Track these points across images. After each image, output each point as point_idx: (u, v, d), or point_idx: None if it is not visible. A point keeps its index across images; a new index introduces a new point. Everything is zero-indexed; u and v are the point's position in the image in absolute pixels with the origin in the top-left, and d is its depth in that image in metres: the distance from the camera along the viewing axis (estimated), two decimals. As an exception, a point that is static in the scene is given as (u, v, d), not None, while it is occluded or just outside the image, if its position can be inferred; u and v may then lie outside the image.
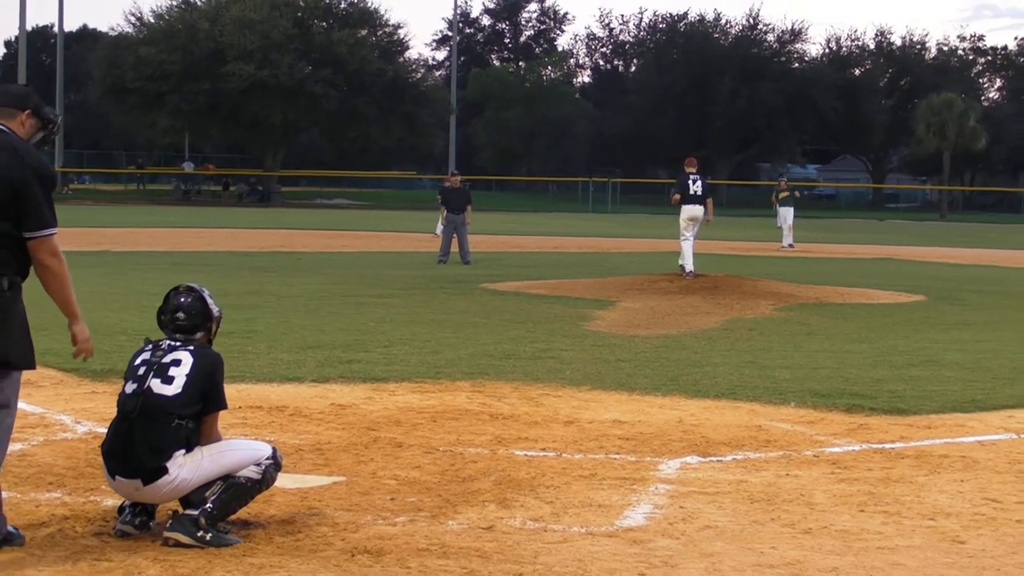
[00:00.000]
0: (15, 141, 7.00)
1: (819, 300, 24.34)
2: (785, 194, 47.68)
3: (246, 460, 7.68)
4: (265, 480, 7.73)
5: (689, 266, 27.53)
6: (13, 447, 9.53)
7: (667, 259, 34.49)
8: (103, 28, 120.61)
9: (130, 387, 7.57)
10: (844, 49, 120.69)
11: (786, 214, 46.88)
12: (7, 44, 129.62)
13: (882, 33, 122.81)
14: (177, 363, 7.58)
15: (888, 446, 10.75)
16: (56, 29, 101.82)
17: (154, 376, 7.53)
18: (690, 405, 12.57)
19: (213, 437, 7.69)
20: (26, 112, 7.16)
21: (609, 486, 9.09)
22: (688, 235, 28.12)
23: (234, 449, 7.74)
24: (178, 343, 7.71)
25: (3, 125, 7.05)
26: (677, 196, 28.73)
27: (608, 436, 10.90)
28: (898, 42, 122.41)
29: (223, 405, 7.79)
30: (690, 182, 28.58)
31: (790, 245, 45.76)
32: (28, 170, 6.88)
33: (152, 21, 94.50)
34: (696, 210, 28.42)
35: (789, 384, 13.89)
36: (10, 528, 7.18)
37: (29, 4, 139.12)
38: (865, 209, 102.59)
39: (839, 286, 27.62)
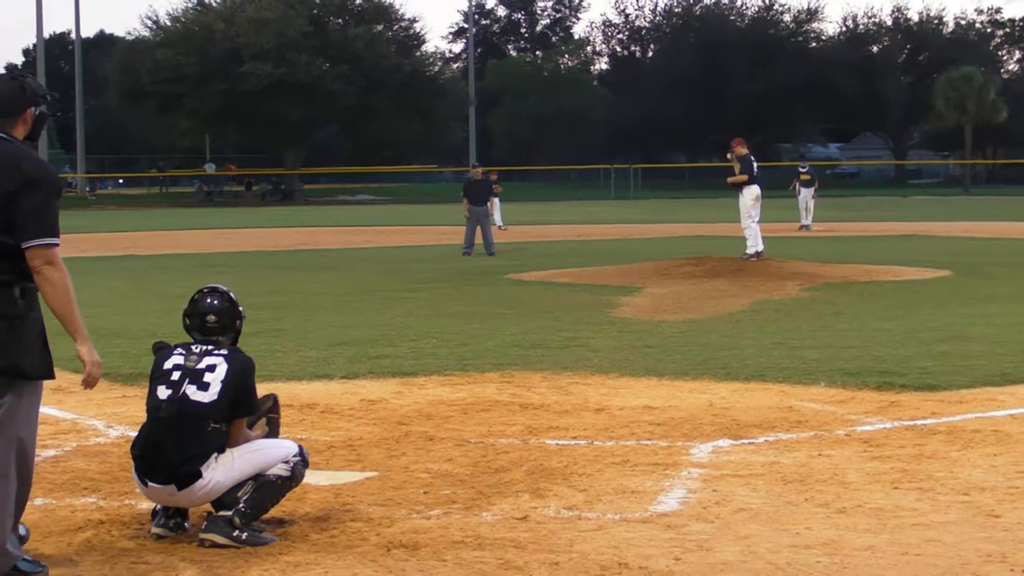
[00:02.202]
0: (12, 149, 6.79)
1: (845, 279, 24.29)
2: (806, 176, 47.56)
3: (275, 458, 7.70)
4: (294, 477, 7.75)
5: (761, 246, 27.24)
6: (47, 453, 9.60)
7: (691, 243, 34.53)
8: (120, 32, 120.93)
9: (163, 392, 7.56)
10: (861, 27, 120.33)
11: (806, 196, 46.79)
12: (25, 52, 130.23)
13: (899, 9, 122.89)
14: (212, 368, 7.58)
15: (920, 422, 10.73)
16: (73, 35, 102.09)
17: (189, 382, 7.53)
18: (720, 388, 12.56)
19: (241, 439, 7.70)
20: (28, 111, 6.95)
21: (642, 472, 9.09)
22: (756, 215, 27.72)
23: (262, 448, 7.76)
24: (210, 347, 7.72)
25: (2, 132, 6.83)
26: (745, 176, 27.99)
27: (639, 422, 10.90)
28: (915, 18, 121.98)
29: (254, 410, 7.81)
30: (753, 161, 28.18)
31: (805, 226, 45.62)
32: (24, 179, 6.68)
33: (168, 24, 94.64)
34: (759, 190, 28.04)
35: (818, 364, 13.87)
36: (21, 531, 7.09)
37: (46, 11, 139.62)
38: (888, 186, 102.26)
39: (864, 264, 27.58)
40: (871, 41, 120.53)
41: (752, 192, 27.80)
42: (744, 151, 27.93)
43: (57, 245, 6.79)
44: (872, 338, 16.00)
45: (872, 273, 25.64)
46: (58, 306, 6.71)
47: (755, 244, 27.25)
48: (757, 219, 27.68)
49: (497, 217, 46.21)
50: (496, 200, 47.14)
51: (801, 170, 48.70)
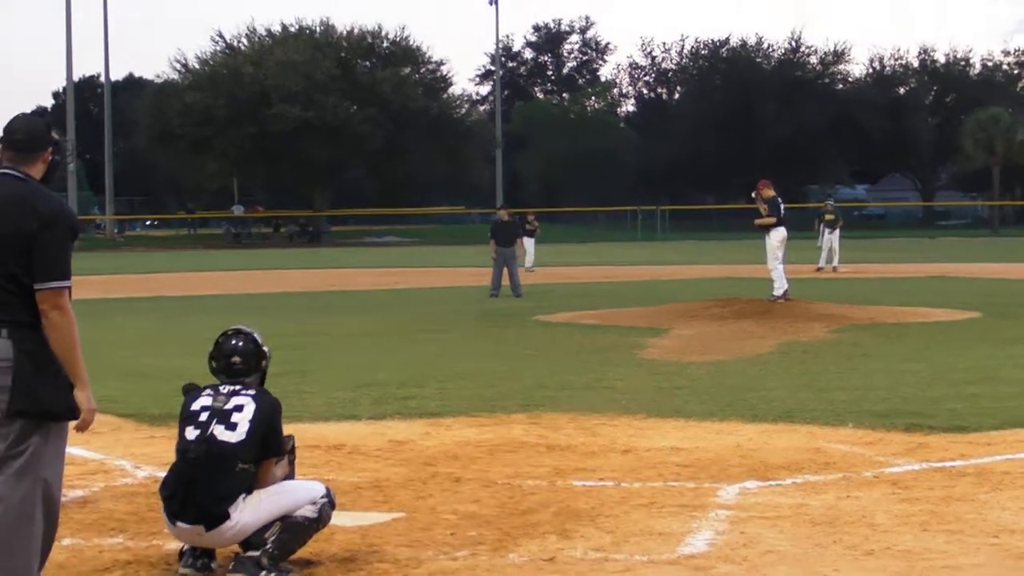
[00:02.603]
0: (30, 189, 6.77)
1: (873, 320, 24.22)
2: (831, 217, 47.42)
3: (302, 500, 7.70)
4: (321, 518, 7.74)
5: (786, 286, 27.13)
6: (74, 493, 9.62)
7: (719, 285, 34.47)
8: (148, 76, 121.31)
9: (191, 433, 7.58)
10: (888, 68, 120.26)
11: (831, 236, 46.63)
12: (55, 95, 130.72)
13: (925, 51, 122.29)
14: (240, 408, 7.59)
15: (948, 464, 10.69)
16: (103, 79, 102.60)
17: (217, 423, 7.55)
18: (747, 430, 12.53)
19: (269, 480, 7.70)
20: (48, 150, 6.91)
21: (669, 513, 9.07)
22: (781, 256, 27.64)
23: (290, 490, 7.76)
24: (238, 387, 7.73)
25: (19, 171, 6.81)
26: (772, 219, 27.85)
27: (666, 463, 10.88)
28: (942, 59, 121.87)
29: (281, 451, 7.81)
30: (780, 203, 28.14)
31: (833, 268, 45.49)
32: (41, 220, 6.65)
33: (197, 67, 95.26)
34: (785, 232, 28.00)
35: (846, 405, 13.83)
36: None
37: (75, 54, 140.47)
38: (916, 227, 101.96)
39: (892, 306, 27.49)
40: (898, 82, 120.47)
41: (779, 234, 27.75)
42: (771, 193, 27.91)
43: (68, 287, 6.74)
44: (900, 379, 15.95)
45: (900, 315, 25.56)
46: (62, 350, 6.70)
47: (781, 285, 27.16)
48: (782, 260, 27.61)
49: (528, 259, 46.39)
50: (531, 241, 47.45)
51: (825, 210, 48.50)
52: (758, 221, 28.20)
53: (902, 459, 10.97)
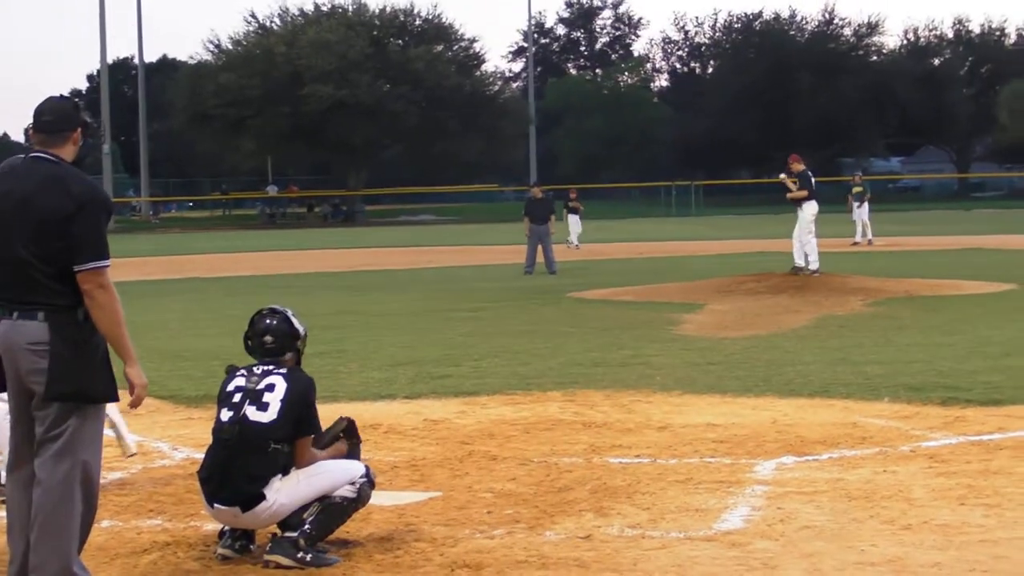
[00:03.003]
0: (62, 171, 6.78)
1: (908, 293, 24.15)
2: (859, 189, 47.22)
3: (341, 480, 7.71)
4: (360, 498, 7.76)
5: (818, 263, 27.00)
6: (112, 475, 9.67)
7: (754, 260, 34.38)
8: (182, 57, 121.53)
9: (226, 414, 7.60)
10: (922, 39, 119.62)
11: (860, 210, 46.44)
12: (89, 78, 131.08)
13: (960, 21, 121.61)
14: (271, 388, 7.60)
15: (986, 438, 10.66)
16: (136, 60, 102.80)
17: (249, 403, 7.57)
18: (783, 405, 12.52)
19: (307, 460, 7.70)
20: (77, 130, 6.90)
21: (705, 490, 9.07)
22: (815, 231, 27.52)
23: (328, 470, 7.76)
24: (271, 367, 7.74)
25: (51, 154, 6.82)
26: (805, 192, 27.72)
27: (702, 440, 10.88)
28: (977, 29, 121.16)
29: (317, 429, 7.82)
30: (811, 176, 28.02)
31: (868, 241, 45.33)
32: (76, 202, 6.67)
33: (230, 47, 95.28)
34: (817, 206, 27.88)
35: (882, 379, 13.80)
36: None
37: (109, 37, 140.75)
38: (951, 200, 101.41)
39: (928, 278, 27.39)
40: (933, 54, 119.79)
41: (812, 208, 27.63)
42: (801, 167, 27.81)
43: (107, 267, 6.76)
44: (936, 353, 15.91)
45: (936, 287, 25.48)
46: (108, 328, 6.73)
47: (816, 259, 27.01)
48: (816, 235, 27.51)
49: (573, 236, 46.62)
50: (575, 217, 47.71)
51: (854, 183, 48.30)
52: (790, 195, 28.08)
53: (939, 433, 10.95)
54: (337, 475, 7.73)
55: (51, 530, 6.68)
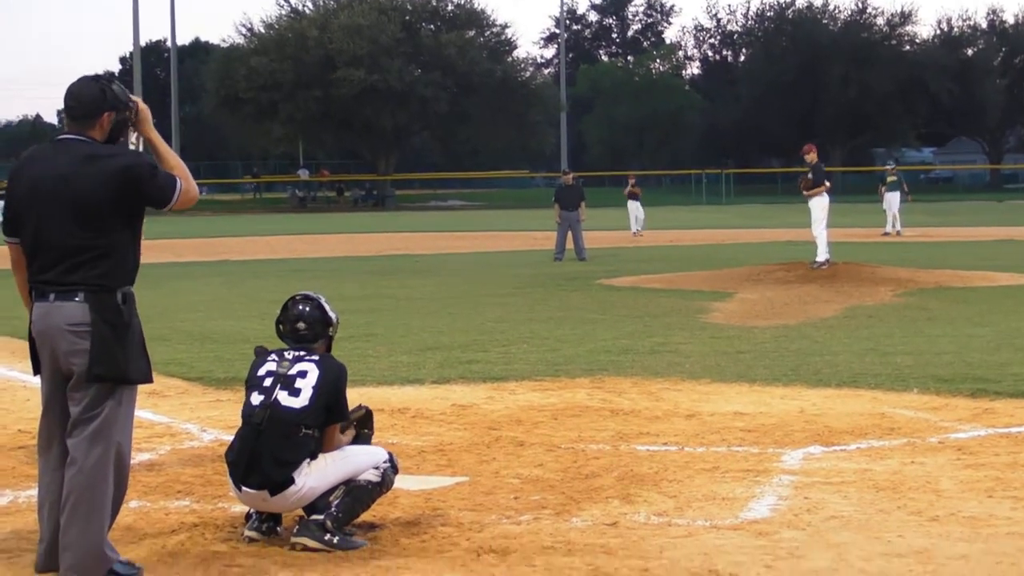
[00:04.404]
0: (94, 149, 6.82)
1: (939, 284, 24.08)
2: (893, 179, 47.02)
3: (365, 464, 7.74)
4: (385, 482, 7.78)
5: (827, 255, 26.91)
6: (141, 456, 9.71)
7: (783, 249, 34.30)
8: (214, 40, 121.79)
9: (256, 398, 7.62)
10: (956, 30, 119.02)
11: (892, 200, 46.23)
12: (122, 60, 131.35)
13: (994, 12, 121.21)
14: (303, 375, 7.62)
15: (1015, 430, 10.62)
16: (169, 43, 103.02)
17: (281, 388, 7.58)
18: (811, 395, 12.50)
19: (334, 445, 7.74)
20: (106, 114, 6.91)
21: (732, 479, 9.06)
22: (826, 222, 27.47)
23: (354, 455, 7.80)
24: (302, 353, 7.76)
25: (81, 135, 6.87)
26: (825, 186, 27.76)
27: (730, 428, 10.87)
28: (1011, 20, 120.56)
29: (346, 416, 7.85)
30: (824, 168, 27.89)
31: (897, 232, 45.16)
32: (109, 175, 6.72)
33: (262, 31, 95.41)
34: (828, 197, 27.84)
35: (911, 370, 13.76)
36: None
37: (142, 20, 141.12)
38: (983, 191, 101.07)
39: (959, 269, 27.30)
40: (966, 44, 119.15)
41: (824, 200, 27.59)
42: (816, 157, 27.73)
43: (180, 187, 6.93)
44: (966, 344, 15.85)
45: (966, 279, 25.40)
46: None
47: (824, 251, 26.82)
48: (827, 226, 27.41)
49: (633, 223, 46.82)
50: (635, 203, 47.88)
51: (888, 173, 48.08)
52: (810, 192, 27.82)
53: (967, 424, 10.91)
54: (362, 459, 7.77)
55: (83, 510, 6.73)
